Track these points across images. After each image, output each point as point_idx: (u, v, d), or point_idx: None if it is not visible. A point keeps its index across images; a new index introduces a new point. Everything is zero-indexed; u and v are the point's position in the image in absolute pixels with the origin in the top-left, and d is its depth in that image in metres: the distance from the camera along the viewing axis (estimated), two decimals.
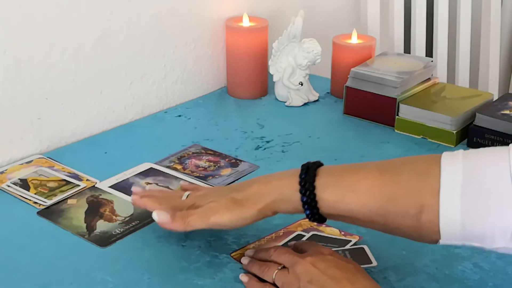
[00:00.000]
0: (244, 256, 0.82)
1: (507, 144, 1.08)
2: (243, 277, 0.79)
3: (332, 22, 1.65)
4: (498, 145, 1.09)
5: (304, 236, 0.87)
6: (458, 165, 0.68)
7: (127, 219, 0.92)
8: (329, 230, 0.89)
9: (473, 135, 1.12)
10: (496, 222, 0.66)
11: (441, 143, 1.14)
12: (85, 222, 0.91)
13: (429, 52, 1.78)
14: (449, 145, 1.14)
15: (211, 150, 1.11)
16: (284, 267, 0.77)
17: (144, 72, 1.24)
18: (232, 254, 0.84)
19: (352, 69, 1.24)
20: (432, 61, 1.28)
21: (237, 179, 1.02)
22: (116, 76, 1.19)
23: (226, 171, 1.04)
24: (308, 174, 0.75)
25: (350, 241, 0.86)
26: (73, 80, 1.12)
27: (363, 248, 0.84)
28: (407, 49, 1.76)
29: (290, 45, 1.28)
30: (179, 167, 1.05)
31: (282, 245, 0.85)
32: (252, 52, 1.31)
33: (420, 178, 0.69)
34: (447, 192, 0.67)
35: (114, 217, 0.92)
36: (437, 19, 1.73)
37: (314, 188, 0.74)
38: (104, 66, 1.17)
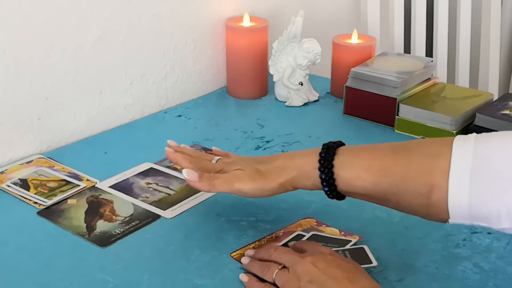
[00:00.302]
0: (244, 256, 0.82)
1: None
2: (243, 277, 0.79)
3: (332, 22, 1.65)
4: None
5: (304, 236, 0.87)
6: (469, 147, 0.70)
7: (127, 219, 0.92)
8: (329, 230, 0.89)
9: None
10: (502, 203, 0.67)
11: None
12: (85, 222, 0.91)
13: (429, 52, 1.79)
14: None
15: (211, 150, 1.10)
16: (284, 267, 0.77)
17: (144, 72, 1.24)
18: (232, 254, 0.84)
19: (352, 69, 1.24)
20: (432, 61, 1.28)
21: None
22: (116, 76, 1.19)
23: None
24: (328, 153, 0.79)
25: (350, 241, 0.86)
26: (73, 80, 1.12)
27: (363, 248, 0.84)
28: (407, 49, 1.76)
29: (290, 45, 1.28)
30: (179, 167, 1.05)
31: (282, 245, 0.85)
32: (252, 52, 1.31)
33: (432, 159, 0.71)
34: (457, 173, 0.69)
35: (114, 217, 0.92)
36: (437, 19, 1.73)
37: (332, 166, 0.78)
38: (104, 66, 1.17)
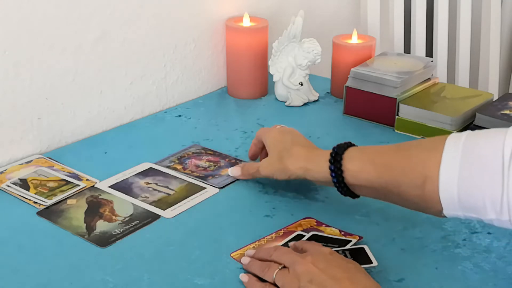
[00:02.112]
0: (244, 256, 0.82)
1: None
2: (243, 277, 0.79)
3: (332, 22, 1.65)
4: None
5: (304, 236, 0.87)
6: (460, 142, 0.75)
7: (127, 219, 0.92)
8: (329, 230, 0.89)
9: None
10: (487, 194, 0.72)
11: None
12: (84, 222, 0.91)
13: (429, 52, 1.78)
14: None
15: (211, 150, 1.11)
16: (284, 267, 0.77)
17: (144, 72, 1.24)
18: (232, 254, 0.84)
19: (352, 69, 1.24)
20: (432, 61, 1.28)
21: (236, 179, 1.02)
22: (116, 76, 1.19)
23: (226, 171, 1.04)
24: (339, 148, 0.87)
25: (350, 241, 0.86)
26: (73, 80, 1.12)
27: (363, 248, 0.84)
28: (407, 49, 1.76)
29: (290, 45, 1.28)
30: (179, 167, 1.05)
31: (282, 245, 0.85)
32: (252, 52, 1.31)
33: (427, 152, 0.77)
34: (447, 165, 0.74)
35: (113, 217, 0.92)
36: (437, 19, 1.73)
37: (341, 159, 0.86)
38: (104, 66, 1.17)
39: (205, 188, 1.00)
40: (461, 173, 0.73)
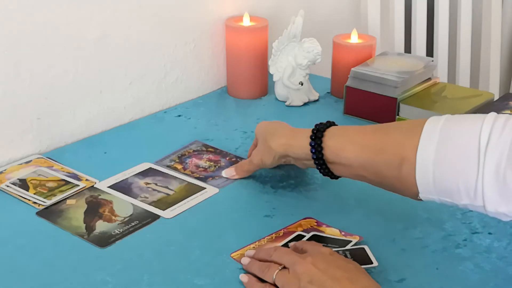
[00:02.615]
0: (244, 256, 0.82)
1: None
2: (243, 277, 0.79)
3: (332, 22, 1.64)
4: None
5: (304, 236, 0.87)
6: (438, 126, 0.76)
7: (126, 219, 0.92)
8: (329, 230, 0.89)
9: None
10: (460, 179, 0.73)
11: None
12: (84, 223, 0.91)
13: (430, 51, 1.78)
14: None
15: (212, 148, 1.11)
16: (284, 267, 0.76)
17: (144, 72, 1.24)
18: (232, 254, 0.84)
19: (352, 69, 1.23)
20: (432, 60, 1.28)
21: (235, 180, 1.02)
22: (116, 76, 1.19)
23: (225, 174, 1.03)
24: (321, 125, 0.89)
25: (351, 241, 0.86)
26: (73, 80, 1.12)
27: (363, 248, 0.84)
28: (408, 48, 1.76)
29: (290, 45, 1.28)
30: (179, 166, 1.05)
31: (282, 245, 0.85)
32: (252, 52, 1.31)
33: (406, 134, 0.79)
34: (424, 147, 0.75)
35: (113, 217, 0.92)
36: (437, 19, 1.73)
37: (322, 136, 0.87)
38: (104, 66, 1.17)
39: (205, 188, 1.00)
40: (437, 156, 0.74)
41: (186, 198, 0.97)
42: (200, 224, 0.92)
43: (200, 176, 1.03)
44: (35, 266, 0.82)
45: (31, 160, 1.07)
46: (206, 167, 1.05)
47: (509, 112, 1.12)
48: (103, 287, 0.79)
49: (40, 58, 1.06)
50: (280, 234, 0.88)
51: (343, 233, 0.88)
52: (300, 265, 0.74)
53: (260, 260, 0.80)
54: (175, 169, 1.04)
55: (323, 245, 0.82)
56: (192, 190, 0.99)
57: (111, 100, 1.19)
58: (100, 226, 0.90)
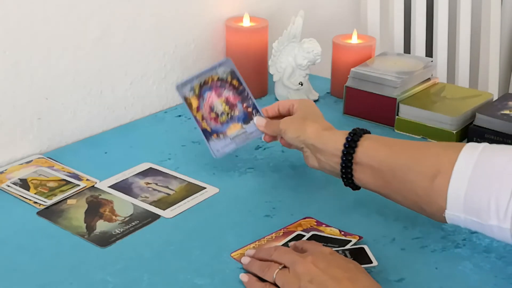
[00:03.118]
0: (244, 256, 0.82)
1: (507, 144, 1.08)
2: (243, 277, 0.79)
3: (332, 22, 1.65)
4: None
5: (304, 236, 0.87)
6: (478, 148, 0.77)
7: (127, 219, 0.92)
8: (329, 230, 0.89)
9: (473, 135, 1.12)
10: (493, 197, 0.73)
11: None
12: (85, 222, 0.91)
13: (429, 52, 1.78)
14: None
15: (236, 80, 1.04)
16: (284, 266, 0.77)
17: (144, 72, 1.24)
18: (232, 254, 0.84)
19: (352, 69, 1.24)
20: (432, 61, 1.28)
21: (238, 146, 1.03)
22: (116, 76, 1.19)
23: (234, 129, 1.02)
24: (362, 129, 0.89)
25: (350, 241, 0.86)
26: (73, 80, 1.12)
27: (363, 248, 0.84)
28: (407, 49, 1.76)
29: (290, 45, 1.28)
30: (194, 103, 1.01)
31: (282, 245, 0.85)
32: (252, 52, 1.31)
33: (445, 148, 0.80)
34: (462, 164, 0.76)
35: (114, 217, 0.92)
36: (437, 19, 1.73)
37: (360, 136, 0.87)
38: (104, 66, 1.17)
39: (205, 188, 1.00)
40: (474, 173, 0.75)
41: (186, 198, 0.97)
42: (200, 224, 0.92)
43: (206, 129, 1.01)
44: (35, 266, 0.82)
45: (31, 160, 1.07)
46: (219, 113, 1.02)
47: (508, 112, 1.12)
48: (103, 286, 0.79)
49: (41, 58, 1.07)
50: (280, 234, 0.89)
51: (342, 232, 0.89)
52: (300, 265, 0.75)
53: (260, 260, 0.80)
54: (190, 105, 1.01)
55: (323, 245, 0.82)
56: (192, 190, 0.99)
57: (112, 100, 1.19)
58: (101, 226, 0.90)
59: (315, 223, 0.91)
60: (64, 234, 0.89)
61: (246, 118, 1.03)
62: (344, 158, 0.87)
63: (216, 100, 1.02)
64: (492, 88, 1.80)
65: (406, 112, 1.18)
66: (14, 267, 0.82)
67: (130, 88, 1.22)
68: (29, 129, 1.08)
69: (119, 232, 0.89)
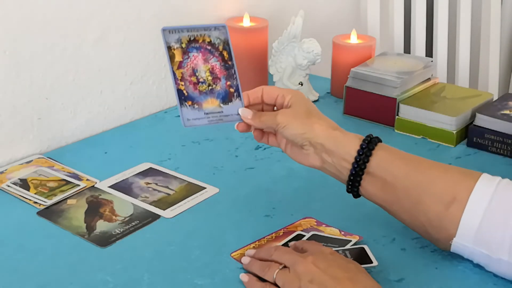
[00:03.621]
0: (244, 255, 0.82)
1: (507, 144, 1.09)
2: (243, 277, 0.79)
3: (332, 22, 1.65)
4: (498, 145, 1.10)
5: (304, 236, 0.87)
6: (496, 179, 0.77)
7: (127, 219, 0.92)
8: (329, 230, 0.89)
9: (473, 135, 1.12)
10: (507, 233, 0.73)
11: (441, 143, 1.14)
12: (85, 222, 0.91)
13: (429, 52, 1.78)
14: (449, 145, 1.14)
15: (226, 52, 0.92)
16: (285, 266, 0.77)
17: (144, 72, 1.24)
18: (232, 254, 0.84)
19: (352, 69, 1.24)
20: (432, 61, 1.28)
21: (210, 124, 0.90)
22: (116, 76, 1.19)
23: (211, 104, 0.89)
24: (376, 137, 0.84)
25: (350, 241, 0.86)
26: (73, 80, 1.12)
27: (363, 248, 0.84)
28: (407, 49, 1.76)
29: (290, 45, 1.28)
30: (178, 57, 0.88)
31: (283, 245, 0.85)
32: (252, 52, 1.31)
33: (464, 175, 0.79)
34: (479, 194, 0.75)
35: (114, 217, 0.92)
36: (437, 19, 1.73)
37: (376, 144, 0.82)
38: (104, 66, 1.17)
39: (205, 188, 1.00)
40: (490, 206, 0.74)
41: (186, 198, 0.97)
42: (200, 224, 0.92)
43: (182, 92, 0.87)
44: (35, 265, 0.82)
45: (31, 160, 1.07)
46: (200, 80, 0.89)
47: (508, 112, 1.12)
48: (103, 286, 0.79)
49: (41, 58, 1.07)
50: (280, 234, 0.89)
51: (342, 232, 0.89)
52: (300, 265, 0.74)
53: (260, 260, 0.80)
54: (172, 58, 0.87)
55: (323, 245, 0.82)
56: (192, 190, 0.99)
57: (112, 100, 1.19)
58: (101, 225, 0.90)
59: (315, 223, 0.91)
60: (64, 234, 0.89)
61: (226, 98, 0.90)
62: (355, 166, 0.82)
63: (201, 65, 0.89)
64: (492, 88, 1.80)
65: (406, 112, 1.18)
66: (14, 267, 0.82)
67: (130, 88, 1.22)
68: (29, 129, 1.08)
69: (119, 232, 0.89)
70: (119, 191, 0.98)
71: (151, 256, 0.84)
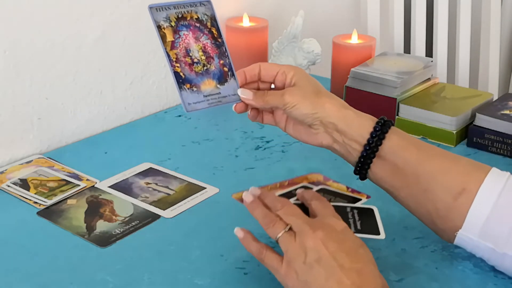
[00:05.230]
0: (247, 193, 0.77)
1: (507, 144, 1.09)
2: (238, 232, 0.75)
3: (332, 22, 1.65)
4: (498, 145, 1.10)
5: (311, 189, 0.83)
6: (506, 174, 0.76)
7: (127, 219, 0.92)
8: (336, 186, 0.86)
9: (473, 135, 1.12)
10: None
11: (441, 143, 1.14)
12: (85, 222, 0.91)
13: (429, 52, 1.78)
14: (449, 145, 1.14)
15: (215, 29, 0.87)
16: (290, 228, 0.72)
17: (144, 72, 1.24)
18: (233, 195, 0.82)
19: (352, 69, 1.24)
20: (432, 61, 1.28)
21: (210, 106, 0.88)
22: (116, 76, 1.19)
23: (209, 85, 0.86)
24: (388, 120, 0.80)
25: (360, 199, 0.83)
26: (73, 80, 1.12)
27: (372, 209, 0.81)
28: (407, 49, 1.76)
29: (290, 45, 1.28)
30: (169, 37, 0.84)
31: (286, 193, 0.81)
32: (252, 52, 1.31)
33: (475, 166, 0.77)
34: (489, 186, 0.74)
35: (114, 217, 0.92)
36: (437, 19, 1.73)
37: (390, 127, 0.79)
38: (104, 66, 1.17)
39: (205, 188, 1.00)
40: (499, 200, 0.74)
41: (186, 198, 0.97)
42: (200, 224, 0.92)
43: (179, 74, 0.84)
44: (35, 265, 0.82)
45: (31, 160, 1.07)
46: (195, 61, 0.85)
47: (508, 112, 1.12)
48: (103, 286, 0.79)
49: (41, 58, 1.07)
50: (285, 184, 0.85)
51: (350, 189, 0.86)
52: (309, 238, 0.70)
53: (264, 205, 0.75)
54: (163, 38, 0.83)
55: (330, 201, 0.78)
56: (192, 190, 0.99)
57: (112, 100, 1.19)
58: (101, 225, 0.90)
59: (322, 178, 0.88)
60: (64, 234, 0.89)
61: (222, 78, 0.87)
62: (367, 148, 0.78)
63: (193, 44, 0.86)
64: (492, 88, 1.80)
65: (406, 112, 1.18)
66: (14, 267, 0.82)
67: (130, 88, 1.22)
68: (29, 129, 1.08)
69: (119, 232, 0.89)
70: (119, 191, 0.98)
71: (151, 256, 0.85)
